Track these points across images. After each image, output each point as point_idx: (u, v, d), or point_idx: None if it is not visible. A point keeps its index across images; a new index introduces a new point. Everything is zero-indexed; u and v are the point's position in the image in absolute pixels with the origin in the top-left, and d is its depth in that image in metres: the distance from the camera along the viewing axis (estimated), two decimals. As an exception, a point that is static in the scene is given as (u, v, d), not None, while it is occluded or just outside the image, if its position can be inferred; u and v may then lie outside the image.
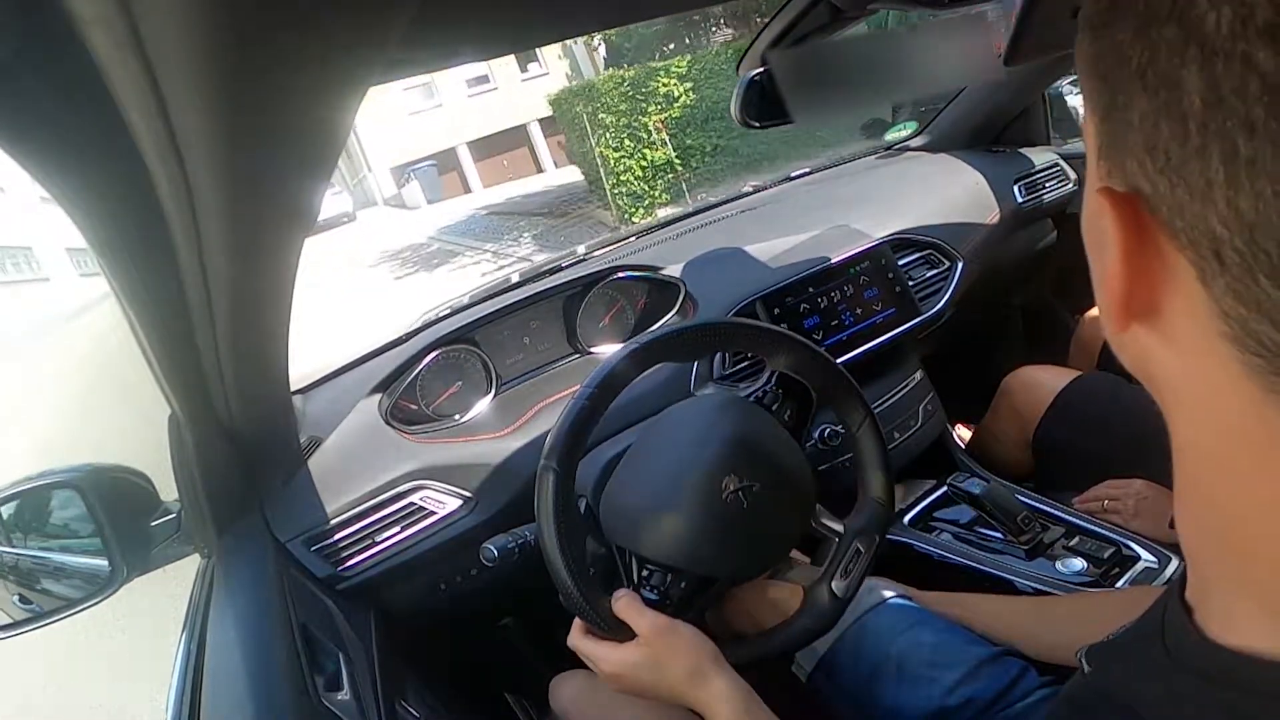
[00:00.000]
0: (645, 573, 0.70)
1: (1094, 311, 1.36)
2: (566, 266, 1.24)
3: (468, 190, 21.76)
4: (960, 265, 1.23)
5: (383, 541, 0.88)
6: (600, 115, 8.21)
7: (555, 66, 21.58)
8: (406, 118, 21.44)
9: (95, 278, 23.55)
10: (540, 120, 21.53)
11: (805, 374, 0.76)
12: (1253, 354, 0.23)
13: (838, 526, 0.75)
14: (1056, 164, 1.47)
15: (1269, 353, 0.22)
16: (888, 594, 0.82)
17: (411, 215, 18.36)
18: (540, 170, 22.18)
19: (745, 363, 1.05)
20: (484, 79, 21.44)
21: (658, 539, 0.69)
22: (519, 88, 21.61)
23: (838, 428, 1.00)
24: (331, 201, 19.74)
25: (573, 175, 15.75)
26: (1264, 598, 0.27)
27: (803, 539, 0.77)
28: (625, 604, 0.66)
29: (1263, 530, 0.26)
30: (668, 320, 1.13)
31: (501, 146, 22.44)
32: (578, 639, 0.68)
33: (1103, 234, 0.28)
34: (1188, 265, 0.24)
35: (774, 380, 0.78)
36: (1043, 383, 1.19)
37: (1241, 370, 0.24)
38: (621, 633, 0.65)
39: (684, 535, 0.68)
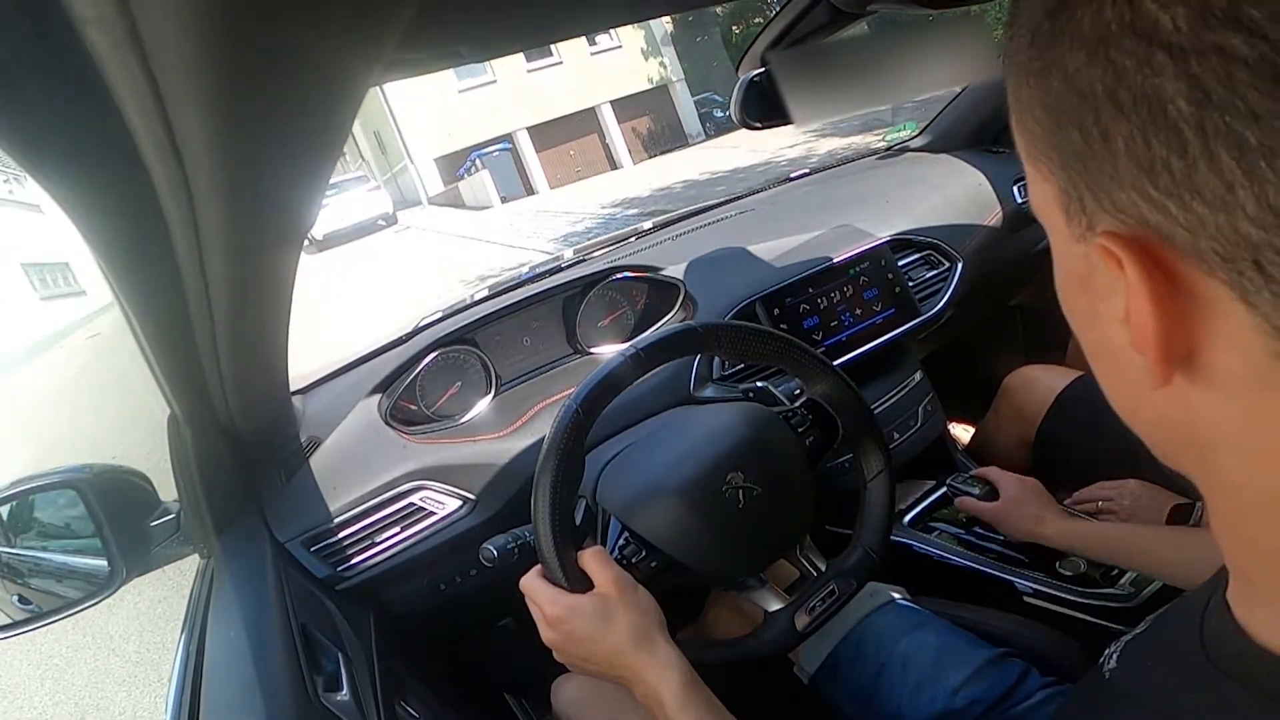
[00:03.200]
0: (622, 541, 0.70)
1: None
2: (566, 267, 1.23)
3: (531, 191, 17.25)
4: (960, 266, 1.23)
5: (382, 542, 0.88)
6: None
7: (629, 38, 18.26)
8: (455, 96, 17.41)
9: (63, 300, 19.25)
10: (614, 101, 18.48)
11: (840, 409, 0.76)
12: None
13: (820, 564, 0.75)
14: (1056, 164, 1.47)
15: None
16: (890, 595, 0.82)
17: (480, 218, 13.43)
18: (615, 166, 18.35)
19: (744, 363, 1.05)
20: (546, 52, 17.16)
21: (648, 513, 0.70)
22: (587, 63, 18.06)
23: None
24: (365, 200, 15.77)
25: (654, 176, 12.51)
26: None
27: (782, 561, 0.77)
28: (592, 554, 0.63)
29: None
30: (669, 319, 1.13)
31: (568, 133, 18.28)
32: (531, 578, 0.65)
33: (1100, 288, 0.26)
34: (1223, 288, 0.22)
35: (806, 405, 0.78)
36: (1043, 382, 1.19)
37: None
38: (579, 585, 0.63)
39: (674, 515, 0.69)
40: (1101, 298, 0.26)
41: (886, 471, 0.76)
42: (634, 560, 0.69)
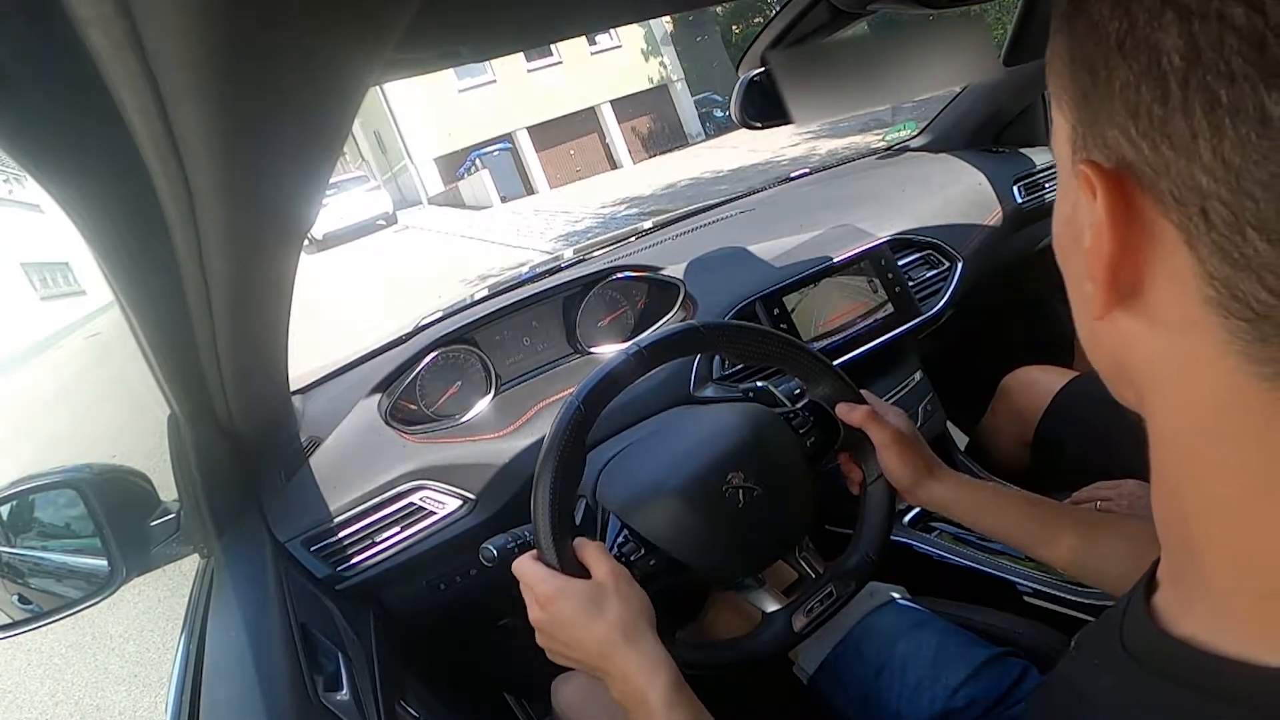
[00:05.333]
0: (621, 539, 0.70)
1: None
2: (566, 267, 1.24)
3: (531, 191, 17.20)
4: (960, 265, 1.23)
5: (382, 542, 0.88)
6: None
7: (629, 38, 18.12)
8: (455, 96, 17.31)
9: (63, 300, 19.04)
10: (614, 101, 18.45)
11: (819, 388, 0.76)
12: (1238, 318, 0.23)
13: (819, 566, 0.75)
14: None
15: (1255, 315, 0.23)
16: (890, 594, 0.82)
17: (480, 218, 13.31)
18: (615, 166, 18.27)
19: (745, 364, 1.05)
20: (546, 52, 17.10)
21: (647, 511, 0.70)
22: (587, 63, 18.00)
23: None
24: (365, 199, 15.81)
25: (654, 176, 12.52)
26: (1210, 588, 0.28)
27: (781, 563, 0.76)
28: (590, 547, 0.62)
29: (1221, 522, 0.27)
30: (669, 318, 1.13)
31: (567, 133, 18.26)
32: (525, 560, 0.63)
33: (1080, 222, 0.28)
34: (1173, 229, 0.24)
35: (807, 407, 0.77)
36: (1041, 383, 1.19)
37: (1226, 338, 0.24)
38: (574, 573, 0.61)
39: (673, 514, 0.69)
40: (1079, 231, 0.28)
41: (887, 481, 0.75)
42: (633, 558, 0.69)
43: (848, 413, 0.74)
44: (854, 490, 0.78)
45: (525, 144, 17.95)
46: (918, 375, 1.20)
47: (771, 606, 0.72)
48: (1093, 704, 0.31)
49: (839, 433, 0.76)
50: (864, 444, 0.76)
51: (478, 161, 16.41)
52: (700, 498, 0.69)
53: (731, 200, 1.54)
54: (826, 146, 10.28)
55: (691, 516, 0.68)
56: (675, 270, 1.15)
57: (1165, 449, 0.29)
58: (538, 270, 1.24)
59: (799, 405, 0.78)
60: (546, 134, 18.14)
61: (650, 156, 18.49)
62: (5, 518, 0.79)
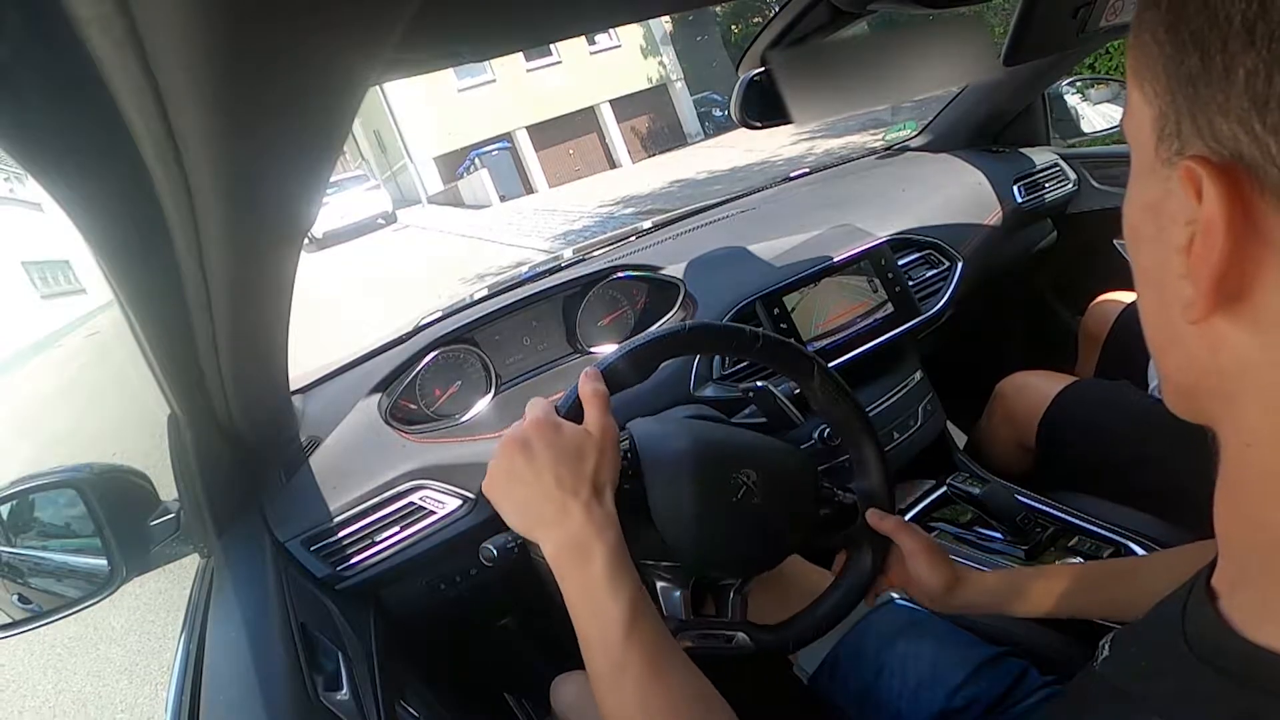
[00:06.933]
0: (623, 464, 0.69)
1: (1102, 299, 1.36)
2: (566, 266, 1.24)
3: (530, 190, 17.33)
4: (960, 265, 1.23)
5: (382, 541, 0.88)
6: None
7: (628, 38, 18.37)
8: (455, 96, 17.48)
9: (65, 298, 19.09)
10: (613, 101, 18.58)
11: (868, 508, 0.75)
12: None
13: (740, 614, 0.72)
14: (1056, 164, 1.47)
15: None
16: (889, 594, 0.82)
17: (480, 217, 13.39)
18: (614, 165, 18.45)
19: (745, 363, 1.05)
20: (546, 51, 17.27)
21: (660, 446, 0.70)
22: (587, 62, 18.20)
23: None
24: (365, 198, 16.04)
25: (653, 175, 12.59)
26: None
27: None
28: (597, 398, 0.59)
29: None
30: (668, 320, 1.13)
31: (567, 133, 18.45)
32: (540, 399, 0.61)
33: (1170, 215, 0.26)
34: None
35: (846, 488, 0.76)
36: (1035, 388, 1.19)
37: None
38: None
39: (678, 461, 0.68)
40: (1169, 224, 0.27)
41: (860, 586, 0.74)
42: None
43: (879, 520, 0.72)
44: (836, 565, 0.77)
45: (525, 143, 18.04)
46: (917, 375, 1.20)
47: (671, 612, 0.70)
48: (1148, 705, 0.30)
49: (853, 522, 0.74)
50: (861, 554, 0.74)
51: (477, 161, 16.50)
52: (710, 466, 0.69)
53: (731, 200, 1.54)
54: (825, 146, 10.27)
55: (690, 473, 0.68)
56: (675, 270, 1.15)
57: (1251, 454, 0.27)
58: (537, 270, 1.24)
59: (846, 489, 0.76)
60: (546, 133, 18.23)
61: (649, 156, 18.55)
62: (5, 518, 0.79)
